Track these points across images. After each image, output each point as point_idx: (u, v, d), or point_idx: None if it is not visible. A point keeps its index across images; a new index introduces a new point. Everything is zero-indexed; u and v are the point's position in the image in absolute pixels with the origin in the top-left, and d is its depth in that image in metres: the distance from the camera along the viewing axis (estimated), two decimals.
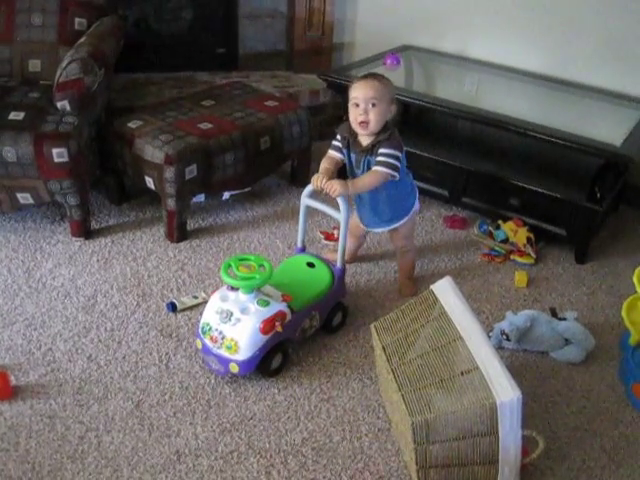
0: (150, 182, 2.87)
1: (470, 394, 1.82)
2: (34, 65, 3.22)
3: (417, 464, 1.89)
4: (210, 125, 2.96)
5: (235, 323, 2.17)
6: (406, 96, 3.21)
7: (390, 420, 2.14)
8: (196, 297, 2.60)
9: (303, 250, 2.58)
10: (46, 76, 3.15)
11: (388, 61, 3.55)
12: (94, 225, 3.02)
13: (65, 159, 2.72)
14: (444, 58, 3.77)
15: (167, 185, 2.79)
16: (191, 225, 3.02)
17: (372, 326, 2.15)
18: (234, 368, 2.19)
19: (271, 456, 2.02)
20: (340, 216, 2.36)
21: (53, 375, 2.28)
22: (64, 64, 2.82)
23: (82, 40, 2.99)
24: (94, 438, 2.06)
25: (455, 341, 1.96)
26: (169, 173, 2.75)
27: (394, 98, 2.45)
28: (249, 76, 3.88)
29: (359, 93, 2.37)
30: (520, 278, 2.84)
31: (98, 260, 2.82)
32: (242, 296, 2.21)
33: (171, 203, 2.83)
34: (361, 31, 4.06)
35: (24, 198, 2.85)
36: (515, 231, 3.02)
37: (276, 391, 2.24)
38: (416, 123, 3.63)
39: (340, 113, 3.42)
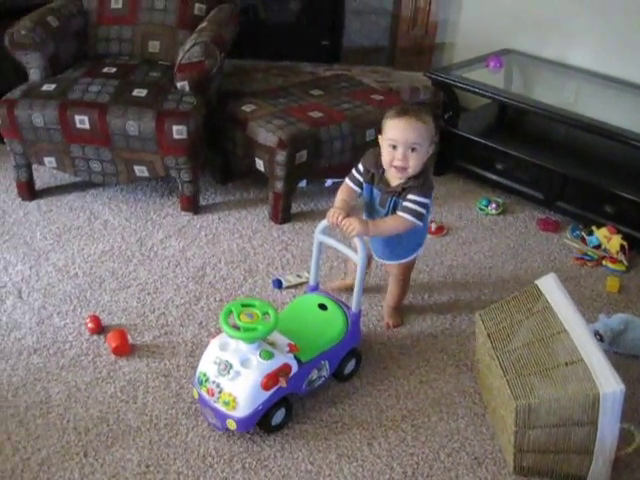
0: (260, 164, 3.00)
1: (574, 384, 1.89)
2: (153, 46, 3.39)
3: (515, 447, 1.97)
4: (320, 114, 3.07)
5: (234, 377, 1.97)
6: (506, 97, 3.29)
7: (486, 406, 2.22)
8: (300, 276, 2.72)
9: (316, 288, 2.37)
10: (164, 57, 3.33)
11: (491, 63, 3.61)
12: (202, 202, 3.17)
13: (184, 136, 2.87)
14: (544, 64, 3.80)
15: (277, 168, 2.91)
16: (294, 208, 3.15)
17: (477, 314, 2.24)
18: (231, 425, 2.00)
19: (373, 429, 2.12)
20: (357, 258, 2.14)
21: (167, 338, 2.42)
22: (187, 47, 2.98)
23: (204, 25, 3.14)
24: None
25: (559, 333, 2.03)
26: (280, 157, 2.88)
27: (434, 136, 2.22)
28: (350, 70, 3.98)
29: (399, 135, 2.12)
30: (612, 283, 2.87)
31: (206, 235, 2.97)
32: (243, 346, 2.00)
33: (279, 186, 2.96)
34: (463, 32, 4.13)
35: (140, 171, 3.01)
36: (609, 238, 3.05)
37: (377, 369, 2.34)
38: (514, 125, 3.69)
39: (438, 112, 3.51)
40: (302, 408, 2.18)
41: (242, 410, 1.97)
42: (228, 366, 1.98)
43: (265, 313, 1.99)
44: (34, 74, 3.19)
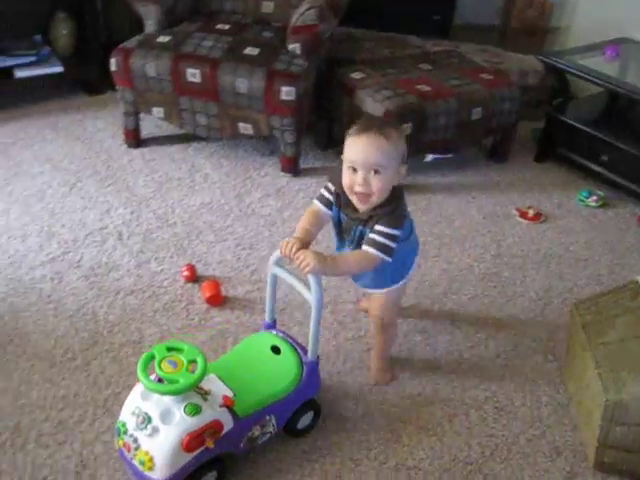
0: None
1: None
2: (267, 7, 3.43)
3: (598, 442, 1.94)
4: (428, 88, 3.05)
5: (152, 433, 1.66)
6: (621, 87, 3.19)
7: (571, 397, 2.19)
8: None
9: (273, 326, 2.04)
10: (277, 18, 3.35)
11: (608, 52, 3.51)
12: (301, 165, 3.20)
13: (292, 98, 2.90)
14: None
15: None
16: None
17: (573, 304, 2.21)
18: None
19: (455, 406, 2.12)
20: (311, 298, 1.80)
21: (258, 293, 2.47)
22: (302, 9, 2.99)
23: None
24: None
25: None
26: None
27: (405, 155, 1.83)
28: (459, 46, 3.92)
29: (358, 156, 1.76)
30: None
31: (304, 197, 3.00)
32: (167, 397, 1.69)
33: None
34: (580, 17, 4.01)
35: (245, 128, 3.05)
36: None
37: (463, 348, 2.33)
38: (624, 117, 3.58)
39: (543, 97, 3.44)
40: None
41: (159, 472, 1.66)
42: (146, 420, 1.68)
43: (192, 361, 1.68)
44: (150, 26, 3.27)
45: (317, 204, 1.94)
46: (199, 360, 1.68)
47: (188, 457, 1.68)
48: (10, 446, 1.90)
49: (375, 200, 1.80)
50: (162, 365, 1.66)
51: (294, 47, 3.02)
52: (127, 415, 1.72)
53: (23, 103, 3.71)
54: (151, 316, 2.36)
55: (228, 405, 1.73)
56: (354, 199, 1.82)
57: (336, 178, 1.86)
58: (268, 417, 1.84)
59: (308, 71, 2.98)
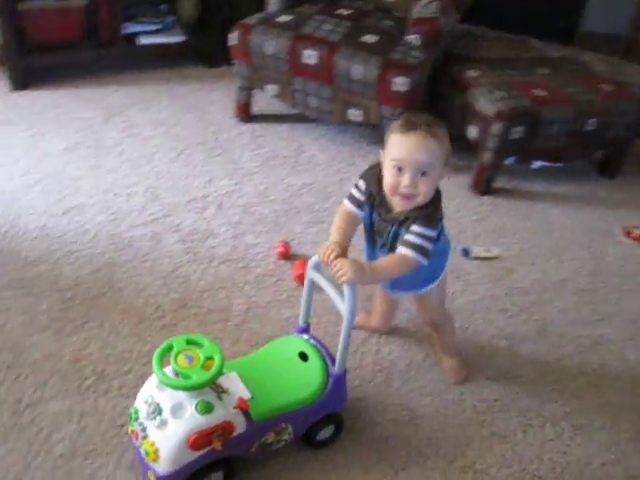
0: (472, 132, 2.97)
1: None
2: None
3: None
4: (544, 92, 2.98)
5: (160, 425, 1.62)
6: None
7: None
8: (488, 250, 2.68)
9: (306, 330, 1.96)
10: (399, 8, 3.35)
11: None
12: None
13: (405, 88, 2.89)
14: None
15: (490, 139, 2.87)
16: (496, 183, 3.09)
17: None
18: (151, 478, 1.67)
19: (530, 417, 2.08)
20: (344, 308, 1.71)
21: None
22: (426, 1, 2.98)
23: None
24: (374, 346, 2.25)
25: None
26: (496, 128, 2.83)
27: (449, 155, 1.74)
28: (581, 54, 3.81)
29: (406, 155, 1.66)
30: None
31: None
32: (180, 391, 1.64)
33: (487, 157, 2.92)
34: None
35: (354, 115, 3.07)
36: None
37: (547, 360, 2.28)
38: None
39: None
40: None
41: (163, 466, 1.62)
42: (157, 410, 1.64)
43: (209, 358, 1.63)
44: (272, 5, 3.33)
45: (348, 204, 1.84)
46: (216, 358, 1.63)
47: (193, 455, 1.63)
48: (93, 391, 1.99)
49: (420, 201, 1.70)
50: (178, 358, 1.62)
51: (413, 38, 3.01)
52: (140, 402, 1.69)
53: (144, 68, 3.85)
54: (241, 286, 2.41)
55: (242, 408, 1.67)
56: (396, 199, 1.72)
57: (371, 176, 1.78)
58: (284, 425, 1.76)
59: (424, 64, 2.97)
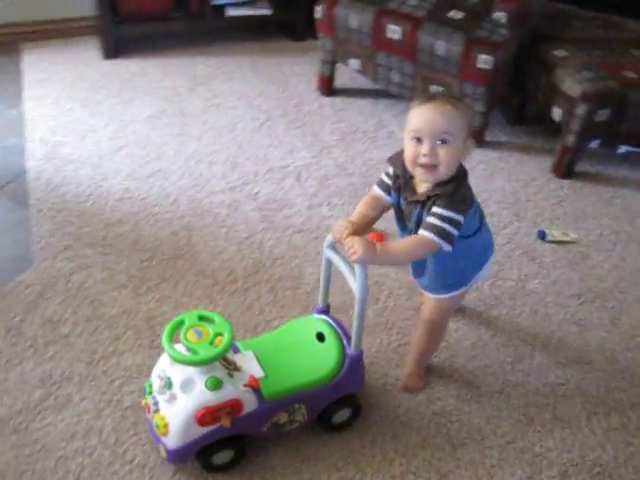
0: (557, 113, 2.91)
1: None
2: None
3: None
4: (635, 75, 2.88)
5: (170, 399, 1.65)
6: None
7: None
8: (566, 234, 2.64)
9: (325, 312, 1.92)
10: None
11: None
12: (486, 137, 3.15)
13: (488, 67, 2.85)
14: None
15: (574, 121, 2.80)
16: (578, 166, 3.03)
17: None
18: (162, 452, 1.71)
19: (596, 404, 2.04)
20: (355, 288, 1.67)
21: None
22: None
23: None
24: None
25: None
26: (581, 110, 2.76)
27: (471, 129, 1.72)
28: None
29: (424, 123, 1.60)
30: None
31: (484, 169, 2.97)
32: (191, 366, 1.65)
33: (570, 139, 2.86)
34: None
35: (436, 92, 3.04)
36: None
37: (618, 349, 2.22)
38: None
39: None
40: (530, 358, 2.15)
41: (172, 440, 1.65)
42: (167, 384, 1.66)
43: (218, 334, 1.63)
44: None
45: (375, 188, 1.81)
46: (226, 335, 1.62)
47: (202, 431, 1.64)
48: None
49: (442, 172, 1.62)
50: (188, 333, 1.63)
51: (499, 16, 2.96)
52: (154, 376, 1.72)
53: (230, 40, 3.92)
54: (313, 256, 2.44)
55: (253, 387, 1.67)
56: (418, 172, 1.65)
57: (397, 159, 1.72)
58: (297, 405, 1.74)
59: (509, 42, 2.92)
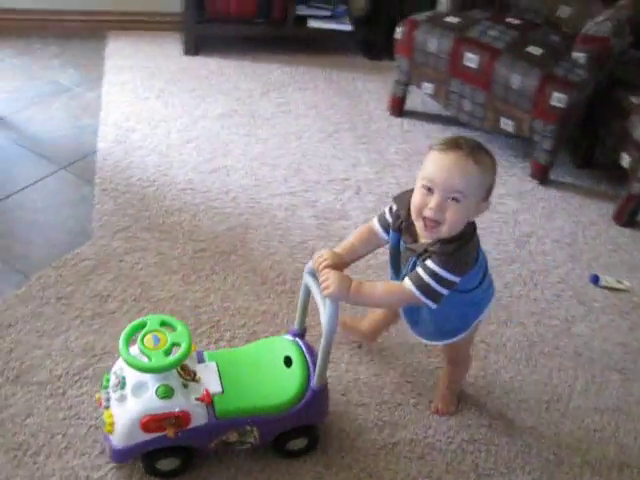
0: (625, 160, 2.87)
1: None
2: (563, 11, 3.36)
3: None
4: None
5: (120, 399, 1.63)
6: None
7: None
8: (620, 282, 2.60)
9: (300, 335, 1.84)
10: (569, 24, 3.29)
11: None
12: (551, 175, 3.13)
13: (562, 105, 2.84)
14: None
15: None
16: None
17: None
18: (108, 448, 1.70)
19: (630, 456, 1.99)
20: (323, 320, 1.58)
21: None
22: (599, 19, 2.91)
23: (624, 2, 3.03)
24: (482, 351, 2.23)
25: None
26: None
27: (491, 190, 1.57)
28: None
29: (439, 175, 1.48)
30: None
31: (543, 207, 2.95)
32: None
33: (637, 187, 2.82)
34: None
35: (506, 124, 3.04)
36: None
37: None
38: None
39: None
40: (567, 400, 2.12)
41: (116, 439, 1.63)
42: (121, 384, 1.64)
43: (176, 344, 1.59)
44: (443, 5, 3.36)
45: (375, 223, 1.71)
46: (183, 346, 1.58)
47: (145, 437, 1.61)
48: (207, 337, 2.12)
49: (445, 232, 1.51)
50: (146, 337, 1.59)
51: (578, 56, 2.94)
52: (112, 372, 1.70)
53: (307, 50, 3.98)
54: (363, 269, 2.43)
55: (205, 401, 1.62)
56: (419, 224, 1.54)
57: (403, 198, 1.61)
58: (249, 428, 1.68)
59: (586, 83, 2.90)
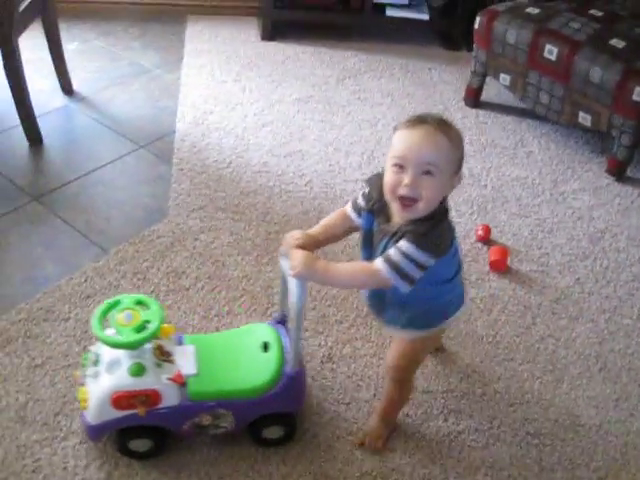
0: None
1: None
2: None
3: None
4: None
5: (94, 375, 1.65)
6: None
7: None
8: None
9: (281, 322, 1.83)
10: None
11: None
12: (628, 172, 3.07)
13: None
14: None
15: None
16: None
17: None
18: (83, 425, 1.72)
19: None
20: (292, 302, 1.59)
21: (541, 276, 2.47)
22: None
23: None
24: (551, 345, 2.22)
25: None
26: None
27: (461, 163, 1.52)
28: None
29: (409, 150, 1.43)
30: None
31: (619, 203, 2.89)
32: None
33: None
34: None
35: (584, 119, 2.99)
36: None
37: None
38: None
39: None
40: (636, 398, 2.09)
41: (90, 416, 1.65)
42: (96, 361, 1.67)
43: (147, 322, 1.60)
44: None
45: (347, 207, 1.66)
46: (153, 325, 1.60)
47: (116, 414, 1.63)
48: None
49: (422, 209, 1.45)
50: (120, 314, 1.61)
51: None
52: (90, 351, 1.72)
53: (384, 39, 3.98)
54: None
55: (176, 382, 1.63)
56: (395, 205, 1.48)
57: (375, 180, 1.56)
58: (223, 411, 1.68)
59: None
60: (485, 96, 3.47)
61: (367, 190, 1.59)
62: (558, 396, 2.06)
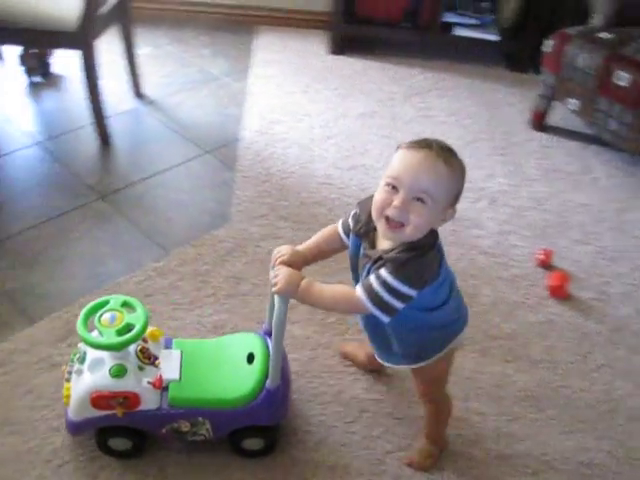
0: None
1: None
2: None
3: None
4: None
5: (78, 373, 1.68)
6: None
7: None
8: None
9: (269, 334, 1.73)
10: None
11: None
12: None
13: None
14: None
15: None
16: None
17: None
18: (65, 419, 1.75)
19: None
20: (273, 319, 1.57)
21: (601, 304, 2.43)
22: None
23: None
24: (607, 375, 2.17)
25: None
26: None
27: (458, 197, 1.47)
28: None
29: (405, 172, 1.37)
30: None
31: None
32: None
33: None
34: None
35: None
36: None
37: None
38: None
39: None
40: None
41: (71, 412, 1.69)
42: (82, 358, 1.68)
43: (130, 325, 1.61)
44: (597, 19, 3.28)
45: (338, 226, 1.62)
46: (137, 328, 1.60)
47: (95, 413, 1.65)
48: (333, 328, 2.18)
49: (408, 234, 1.39)
50: (104, 315, 1.62)
51: None
52: (79, 348, 1.74)
53: (451, 58, 3.98)
54: (492, 280, 2.45)
55: (155, 386, 1.64)
56: (380, 225, 1.42)
57: (365, 204, 1.50)
58: (201, 419, 1.68)
59: None
60: (551, 120, 3.44)
61: (357, 211, 1.55)
62: (613, 428, 2.02)
